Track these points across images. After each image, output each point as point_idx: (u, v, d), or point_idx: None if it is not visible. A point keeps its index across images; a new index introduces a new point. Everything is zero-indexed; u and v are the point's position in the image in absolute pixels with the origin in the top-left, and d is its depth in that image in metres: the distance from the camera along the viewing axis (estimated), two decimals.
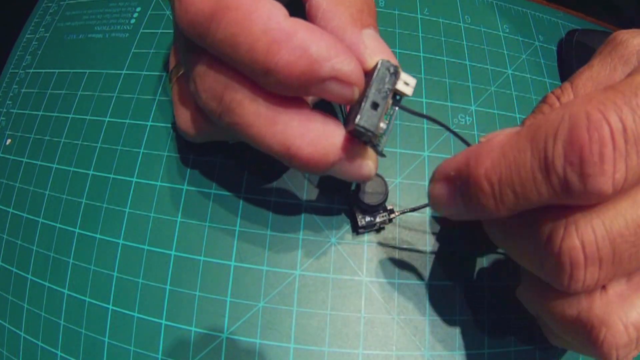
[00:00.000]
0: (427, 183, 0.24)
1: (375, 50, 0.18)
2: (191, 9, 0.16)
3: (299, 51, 0.15)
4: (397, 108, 0.17)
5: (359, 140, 0.17)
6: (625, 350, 0.15)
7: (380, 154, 0.18)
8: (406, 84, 0.17)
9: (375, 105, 0.16)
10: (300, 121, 0.17)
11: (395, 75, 0.17)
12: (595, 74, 0.18)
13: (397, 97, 0.17)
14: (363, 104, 0.16)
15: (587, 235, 0.14)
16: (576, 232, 0.14)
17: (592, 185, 0.13)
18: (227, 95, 0.17)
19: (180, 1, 0.16)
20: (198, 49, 0.17)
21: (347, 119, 0.18)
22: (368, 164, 0.18)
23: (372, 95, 0.16)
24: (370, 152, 0.18)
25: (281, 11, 0.16)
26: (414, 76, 0.17)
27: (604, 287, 0.15)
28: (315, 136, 0.17)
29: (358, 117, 0.16)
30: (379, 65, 0.17)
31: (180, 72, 0.21)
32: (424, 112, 0.26)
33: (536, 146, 0.14)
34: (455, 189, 0.16)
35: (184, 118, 0.21)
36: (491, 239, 0.18)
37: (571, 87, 0.19)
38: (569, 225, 0.14)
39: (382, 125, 0.17)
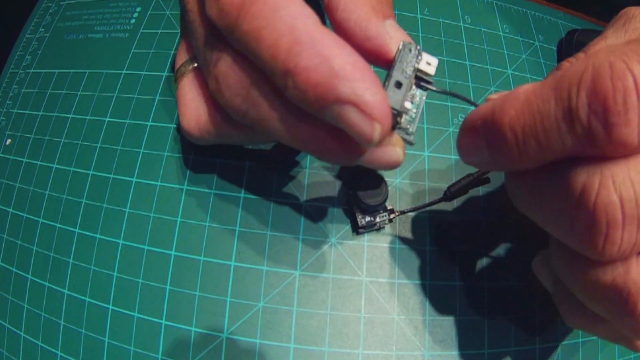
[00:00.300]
0: (427, 183, 0.24)
1: (400, 40, 0.17)
2: None
3: (320, 59, 0.14)
4: (424, 97, 0.18)
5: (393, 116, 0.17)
6: None
7: (410, 141, 0.18)
8: (428, 63, 0.17)
9: (398, 85, 0.17)
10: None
11: (417, 55, 0.17)
12: (610, 44, 0.18)
13: (422, 83, 0.18)
14: (386, 83, 0.16)
15: (625, 187, 0.12)
16: (613, 184, 0.13)
17: (617, 134, 0.12)
18: (254, 90, 0.17)
19: None
20: (222, 44, 0.17)
21: None
22: (396, 150, 0.18)
23: (395, 74, 0.17)
24: (397, 138, 0.18)
25: (313, 16, 0.15)
26: (436, 56, 0.17)
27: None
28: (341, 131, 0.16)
29: None
30: (400, 47, 0.17)
31: (189, 70, 0.21)
32: (424, 113, 0.26)
33: (560, 95, 0.13)
34: (481, 139, 0.16)
35: (190, 118, 0.20)
36: (515, 203, 0.17)
37: (585, 56, 0.18)
38: (605, 177, 0.13)
39: (407, 104, 0.17)
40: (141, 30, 0.29)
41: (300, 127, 0.17)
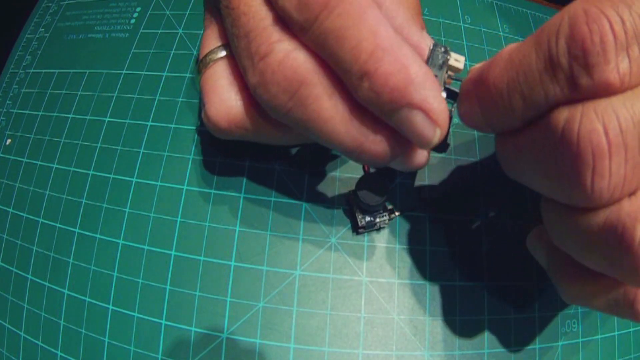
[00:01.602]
0: (427, 183, 0.24)
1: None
2: None
3: (400, 66, 0.15)
4: (453, 109, 0.19)
5: None
6: None
7: (444, 146, 0.19)
8: (457, 60, 0.19)
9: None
10: (371, 120, 0.17)
11: (446, 53, 0.18)
12: None
13: (450, 80, 0.19)
14: None
15: (607, 116, 0.12)
16: (595, 114, 0.13)
17: (598, 75, 0.12)
18: (304, 90, 0.17)
19: None
20: (277, 36, 0.17)
21: None
22: (424, 153, 0.19)
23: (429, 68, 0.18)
24: None
25: (390, 24, 0.16)
26: (462, 54, 0.19)
27: (632, 195, 0.13)
28: (386, 134, 0.17)
29: None
30: (431, 46, 0.18)
31: (220, 57, 0.20)
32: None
33: (540, 47, 0.14)
34: (474, 101, 0.17)
35: (219, 108, 0.20)
36: (504, 167, 0.17)
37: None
38: (587, 108, 0.13)
39: (444, 94, 0.18)
40: (141, 30, 0.29)
41: (345, 131, 0.17)
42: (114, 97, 0.27)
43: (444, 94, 0.18)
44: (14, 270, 0.24)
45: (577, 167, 0.13)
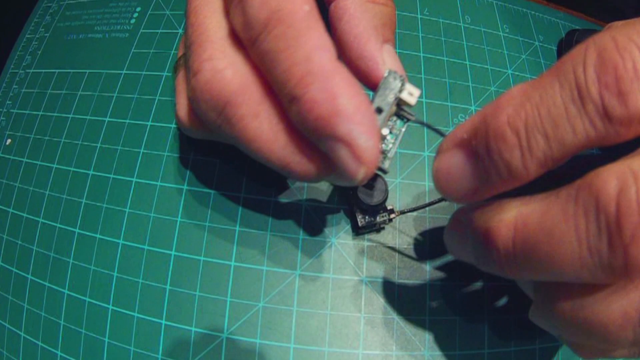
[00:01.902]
0: (427, 183, 0.24)
1: (391, 67, 0.18)
2: (250, 11, 0.16)
3: (327, 95, 0.15)
4: (403, 129, 0.18)
5: None
6: None
7: (384, 169, 0.18)
8: (410, 94, 0.17)
9: (379, 110, 0.17)
10: (300, 140, 0.17)
11: (401, 84, 0.17)
12: None
13: (402, 112, 0.18)
14: None
15: None
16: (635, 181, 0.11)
17: (633, 102, 0.11)
18: (230, 110, 0.17)
19: (241, 1, 0.16)
20: (206, 54, 0.17)
21: None
22: (361, 172, 0.18)
23: (377, 100, 0.17)
24: None
25: (330, 50, 0.16)
26: (418, 87, 0.17)
27: None
28: (317, 154, 0.17)
29: None
30: (386, 74, 0.17)
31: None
32: (424, 113, 0.26)
33: (565, 78, 0.12)
34: (470, 153, 0.14)
35: (183, 108, 0.20)
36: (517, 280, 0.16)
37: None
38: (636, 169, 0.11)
39: (385, 131, 0.17)
40: (141, 30, 0.29)
41: (270, 150, 0.17)
42: (114, 97, 0.27)
43: (385, 130, 0.17)
44: (14, 270, 0.24)
45: (608, 240, 0.11)
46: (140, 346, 0.22)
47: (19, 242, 0.25)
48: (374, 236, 0.23)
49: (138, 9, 0.30)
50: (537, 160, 0.13)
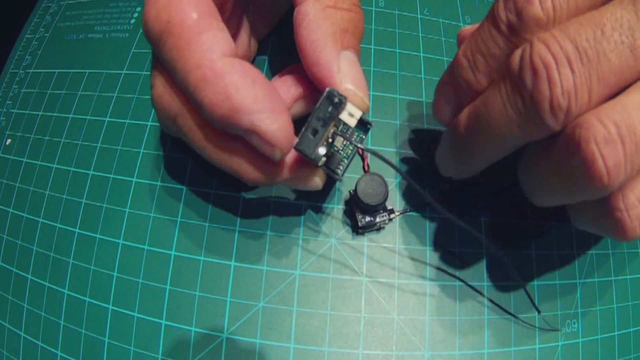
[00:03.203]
0: (427, 183, 0.24)
1: (348, 76, 0.18)
2: (146, 26, 0.17)
3: (222, 96, 0.16)
4: (359, 145, 0.18)
5: (306, 159, 0.17)
6: (609, 148, 0.14)
7: (337, 178, 0.19)
8: (351, 115, 0.17)
9: (314, 132, 0.17)
10: (248, 147, 0.17)
11: (339, 105, 0.16)
12: None
13: (347, 129, 0.18)
14: (303, 129, 0.17)
15: (547, 39, 0.14)
16: (538, 40, 0.15)
17: (525, 13, 0.15)
18: (179, 121, 0.18)
19: (144, 12, 0.17)
20: (157, 66, 0.18)
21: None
22: (314, 180, 0.20)
23: (313, 122, 0.17)
24: (319, 170, 0.19)
25: (222, 47, 0.16)
26: (360, 109, 0.17)
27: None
28: (261, 161, 0.18)
29: (297, 140, 0.17)
30: (324, 94, 0.17)
31: None
32: (424, 113, 0.26)
33: (488, 15, 0.17)
34: (446, 85, 0.19)
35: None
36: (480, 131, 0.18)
37: None
38: (532, 41, 0.15)
39: (322, 150, 0.17)
40: (141, 30, 0.29)
41: (220, 158, 0.18)
42: (114, 97, 0.27)
43: (323, 150, 0.17)
44: (14, 270, 0.24)
45: (536, 83, 0.14)
46: (140, 346, 0.22)
47: (19, 242, 0.25)
48: (374, 236, 0.23)
49: (138, 9, 0.30)
50: (480, 71, 0.17)
